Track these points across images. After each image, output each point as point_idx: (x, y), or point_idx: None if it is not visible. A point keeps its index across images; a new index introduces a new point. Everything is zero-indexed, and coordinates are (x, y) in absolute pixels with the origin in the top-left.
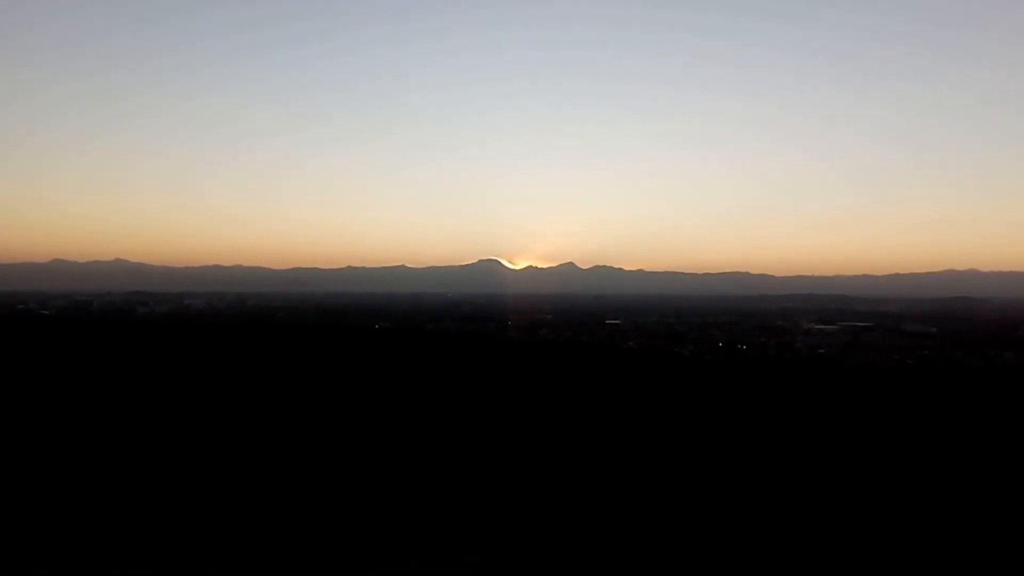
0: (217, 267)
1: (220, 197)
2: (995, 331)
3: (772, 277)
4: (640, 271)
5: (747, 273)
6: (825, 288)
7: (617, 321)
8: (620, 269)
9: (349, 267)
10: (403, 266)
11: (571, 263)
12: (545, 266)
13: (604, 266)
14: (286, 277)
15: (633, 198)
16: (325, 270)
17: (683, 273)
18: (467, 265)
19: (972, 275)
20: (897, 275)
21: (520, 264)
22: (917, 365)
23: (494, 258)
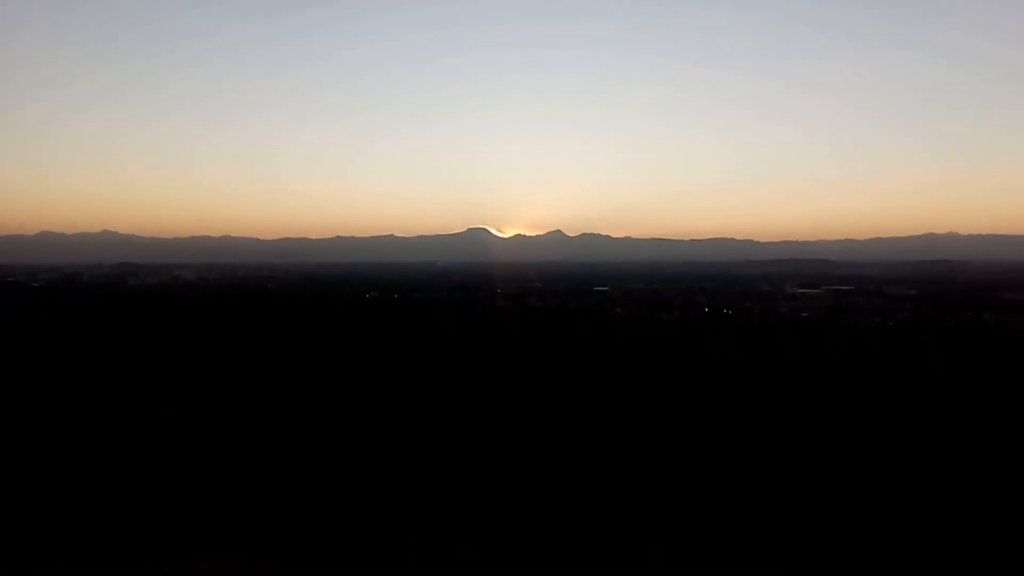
0: (206, 238)
1: (208, 168)
2: (975, 293)
3: (756, 243)
4: (627, 238)
5: (732, 239)
6: (808, 253)
7: (605, 288)
8: (607, 237)
9: (338, 237)
10: (392, 235)
11: (559, 231)
12: (533, 234)
13: (591, 234)
14: (275, 248)
15: (620, 166)
16: (314, 240)
17: (669, 240)
18: (456, 234)
19: (952, 238)
20: (878, 239)
21: (508, 232)
22: (897, 327)
23: (483, 227)
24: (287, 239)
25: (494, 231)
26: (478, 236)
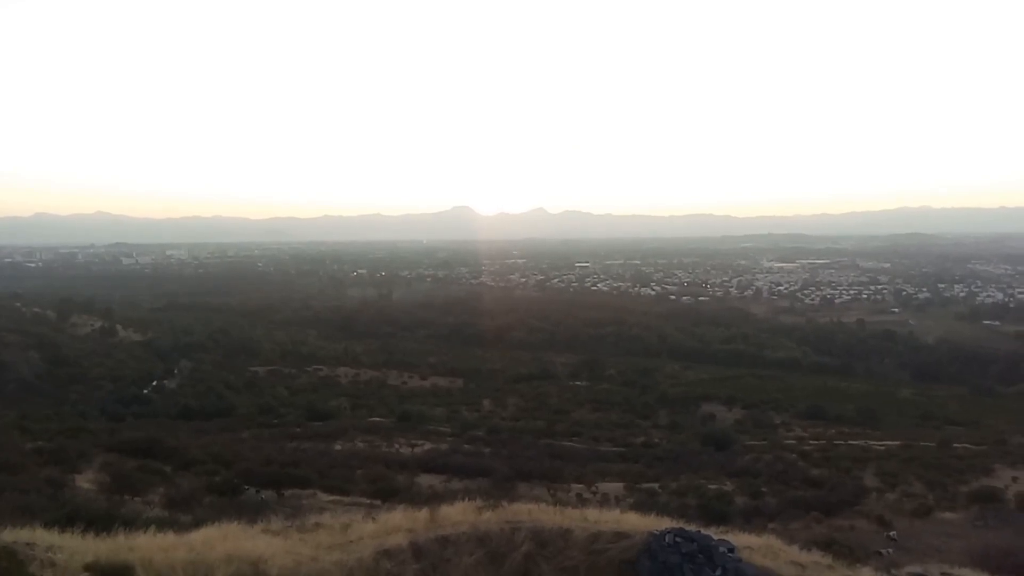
0: (197, 219)
1: (198, 150)
2: (946, 265)
3: (734, 219)
4: (608, 215)
5: (710, 215)
6: (784, 228)
7: (586, 264)
8: (588, 213)
9: (325, 216)
10: (378, 214)
11: (541, 208)
12: (516, 212)
13: (573, 211)
14: (264, 227)
15: (601, 144)
16: (302, 220)
17: (649, 216)
18: (441, 212)
19: (925, 212)
20: (852, 214)
21: (492, 210)
22: (871, 299)
23: (467, 205)
24: (276, 219)
25: (478, 209)
26: (462, 214)
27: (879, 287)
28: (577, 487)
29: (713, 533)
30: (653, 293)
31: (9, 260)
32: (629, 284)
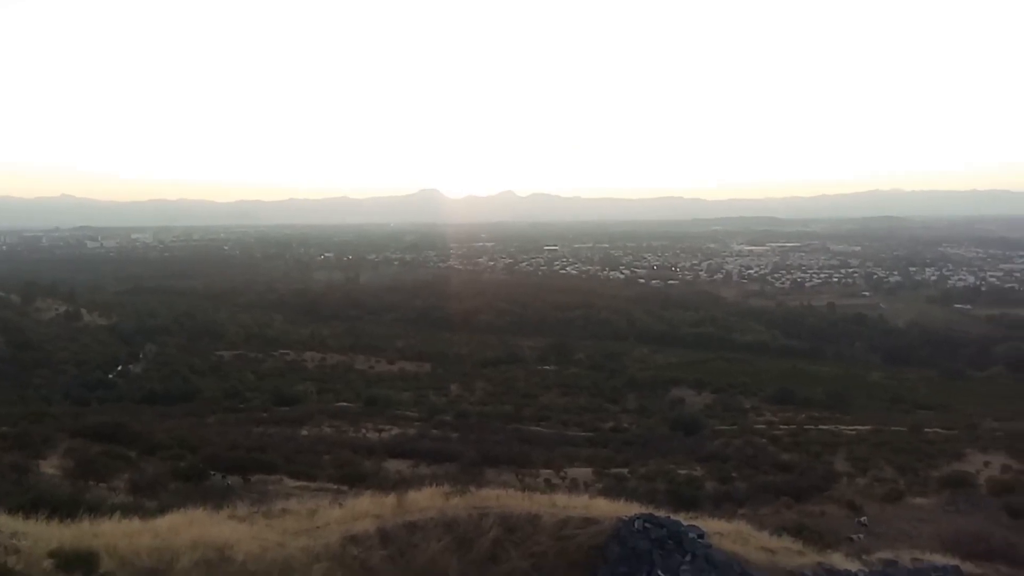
0: (162, 202)
1: (163, 133)
2: (917, 249)
3: (703, 202)
4: (576, 198)
5: (680, 198)
6: (755, 211)
7: (555, 247)
8: (557, 196)
9: (291, 199)
10: (345, 197)
11: (509, 191)
12: (484, 195)
13: (541, 193)
14: (230, 210)
15: (568, 125)
16: (268, 203)
17: (618, 199)
18: (408, 195)
19: (896, 195)
20: (824, 196)
21: (459, 193)
22: (841, 282)
23: (434, 188)
24: (242, 202)
25: (445, 192)
26: (430, 197)
27: (850, 270)
28: (545, 472)
29: (683, 519)
30: (622, 276)
31: None
32: (598, 267)
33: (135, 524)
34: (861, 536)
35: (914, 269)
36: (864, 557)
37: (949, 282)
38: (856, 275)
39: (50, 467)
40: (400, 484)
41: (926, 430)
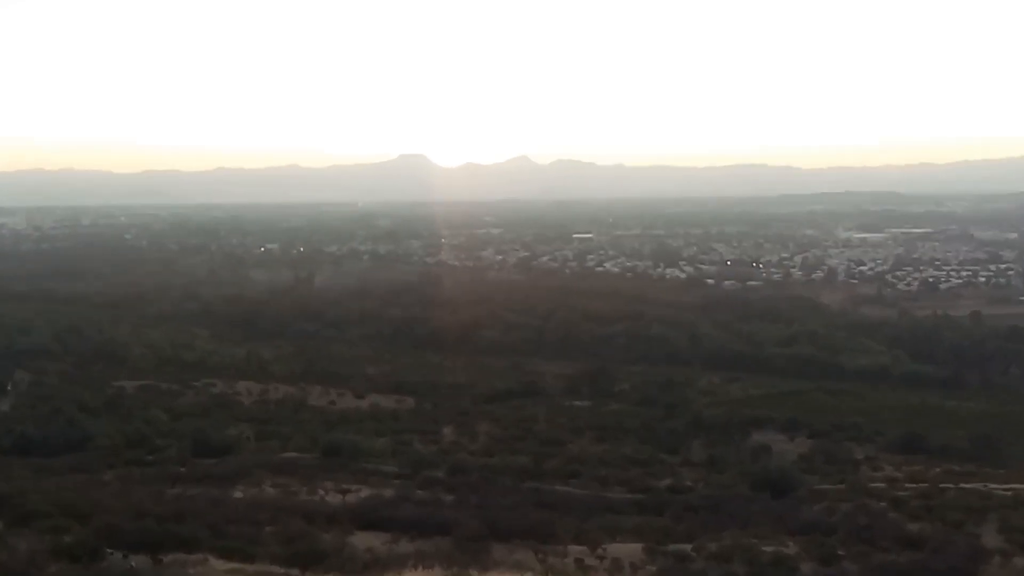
0: (39, 172)
1: (40, 77)
2: None
3: (796, 170)
4: (619, 166)
5: (763, 166)
6: (869, 183)
7: (589, 235)
8: (591, 164)
9: (220, 169)
10: (295, 166)
11: (524, 157)
12: (489, 162)
13: (569, 160)
14: (135, 184)
15: (607, 70)
16: (188, 174)
17: (676, 168)
18: (383, 163)
19: None
20: (965, 163)
21: (453, 161)
22: (991, 283)
23: (419, 153)
24: (151, 173)
25: (435, 158)
26: (414, 166)
27: (1002, 266)
28: (577, 550)
29: None
30: (683, 276)
31: None
32: (649, 263)
33: None
34: None
35: None
36: None
37: None
38: (1011, 273)
39: None
40: (373, 566)
41: None
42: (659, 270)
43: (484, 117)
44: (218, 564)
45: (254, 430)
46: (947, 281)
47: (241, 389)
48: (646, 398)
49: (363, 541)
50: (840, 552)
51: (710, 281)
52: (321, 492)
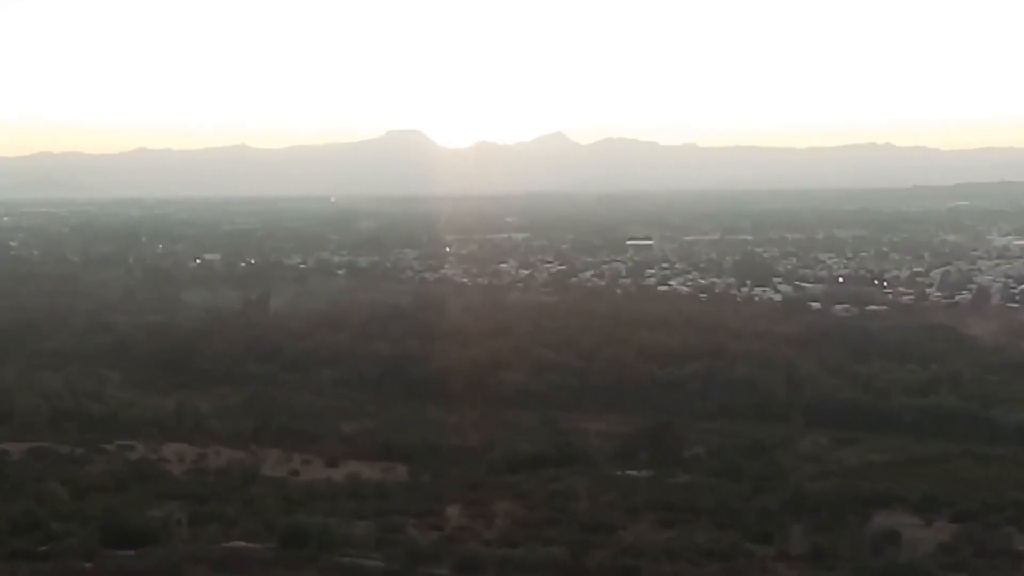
0: None
1: None
2: None
3: (934, 153)
4: (689, 146)
5: (888, 146)
6: None
7: (648, 242)
8: (650, 144)
9: (142, 151)
10: (244, 146)
11: (559, 134)
12: (511, 141)
13: (619, 138)
14: (24, 170)
15: (670, 21)
16: (97, 157)
17: (766, 149)
18: (367, 141)
19: None
20: None
21: (462, 140)
22: None
23: (415, 129)
24: (46, 156)
25: (435, 137)
26: (407, 145)
27: None
28: None
29: None
30: (778, 298)
31: None
32: (731, 281)
33: None
34: None
35: None
36: None
37: None
38: None
39: None
40: None
41: None
42: (745, 290)
43: (503, 83)
44: None
45: (187, 511)
46: None
47: (169, 454)
48: (727, 466)
49: None
50: None
51: (815, 305)
52: None
